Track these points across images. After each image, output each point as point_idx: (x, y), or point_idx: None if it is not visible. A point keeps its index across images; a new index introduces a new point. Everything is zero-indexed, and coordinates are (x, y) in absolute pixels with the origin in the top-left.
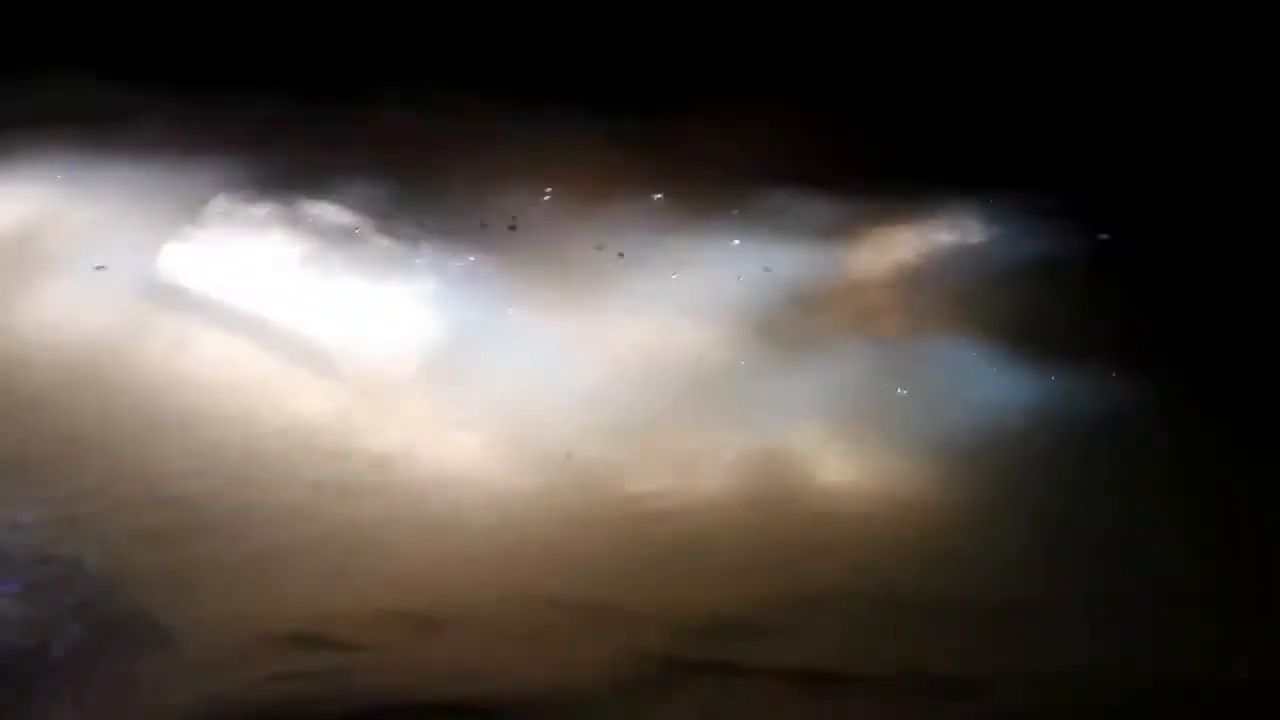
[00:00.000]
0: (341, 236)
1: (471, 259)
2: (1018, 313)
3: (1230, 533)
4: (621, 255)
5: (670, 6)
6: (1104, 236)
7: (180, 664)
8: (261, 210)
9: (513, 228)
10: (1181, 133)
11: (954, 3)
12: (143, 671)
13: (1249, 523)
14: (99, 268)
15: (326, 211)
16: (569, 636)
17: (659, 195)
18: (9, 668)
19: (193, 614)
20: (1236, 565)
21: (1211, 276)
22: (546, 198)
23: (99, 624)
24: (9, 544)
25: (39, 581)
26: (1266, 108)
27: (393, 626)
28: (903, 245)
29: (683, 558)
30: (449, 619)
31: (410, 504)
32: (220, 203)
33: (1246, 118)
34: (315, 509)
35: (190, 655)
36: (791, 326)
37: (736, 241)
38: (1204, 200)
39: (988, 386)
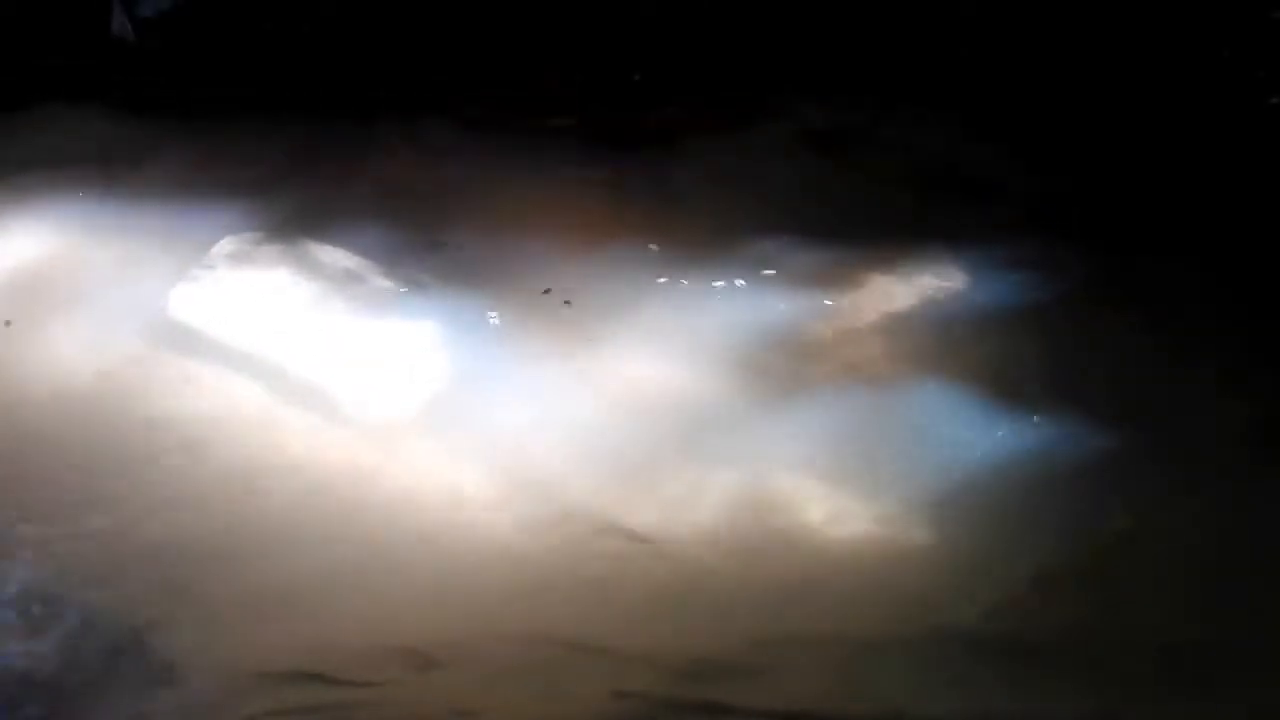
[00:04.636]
0: (346, 279)
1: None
2: (1003, 359)
3: (1217, 578)
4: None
5: (665, 53)
6: None
7: (184, 701)
8: (268, 253)
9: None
10: (1175, 181)
11: (949, 46)
12: (146, 709)
13: (1236, 568)
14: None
15: (331, 254)
16: (561, 675)
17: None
18: (12, 707)
19: (196, 651)
20: (1227, 613)
21: (1197, 324)
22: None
23: (102, 662)
24: (12, 582)
25: (43, 619)
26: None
27: (392, 664)
28: (888, 292)
29: (671, 598)
30: (447, 656)
31: (410, 542)
32: (227, 245)
33: (1238, 170)
34: (317, 547)
35: (193, 692)
36: (779, 371)
37: (727, 286)
38: (1191, 248)
39: (973, 431)
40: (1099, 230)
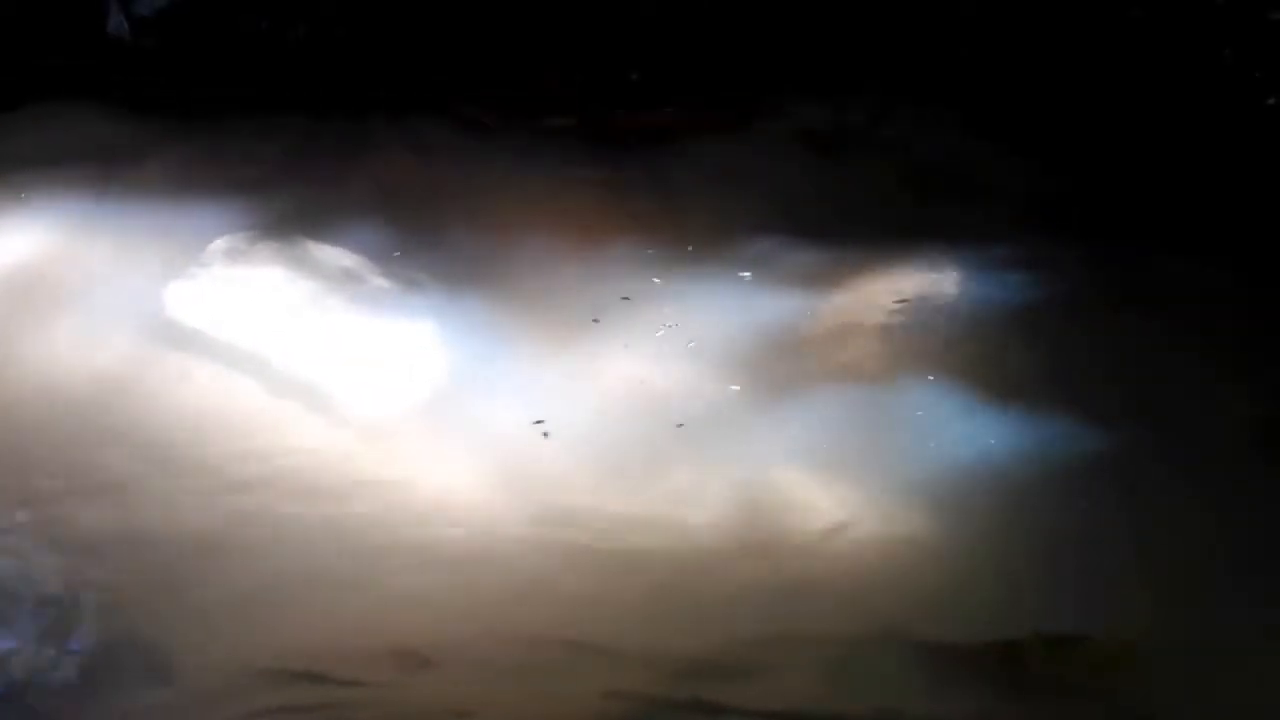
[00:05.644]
0: (342, 278)
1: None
2: (1002, 358)
3: (1217, 576)
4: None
5: (664, 53)
6: None
7: (179, 698)
8: (265, 251)
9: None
10: (1174, 181)
11: (949, 46)
12: (141, 705)
13: (1237, 567)
14: None
15: (328, 253)
16: (556, 675)
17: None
18: (8, 701)
19: (191, 648)
20: (1227, 611)
21: (1196, 323)
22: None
23: (97, 658)
24: (10, 578)
25: (40, 615)
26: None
27: (387, 663)
28: (887, 291)
29: (667, 597)
30: (442, 656)
31: (405, 541)
32: (224, 243)
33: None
34: (312, 545)
35: (189, 690)
36: (777, 371)
37: (726, 285)
38: (1190, 247)
39: (971, 430)
40: (1098, 230)
